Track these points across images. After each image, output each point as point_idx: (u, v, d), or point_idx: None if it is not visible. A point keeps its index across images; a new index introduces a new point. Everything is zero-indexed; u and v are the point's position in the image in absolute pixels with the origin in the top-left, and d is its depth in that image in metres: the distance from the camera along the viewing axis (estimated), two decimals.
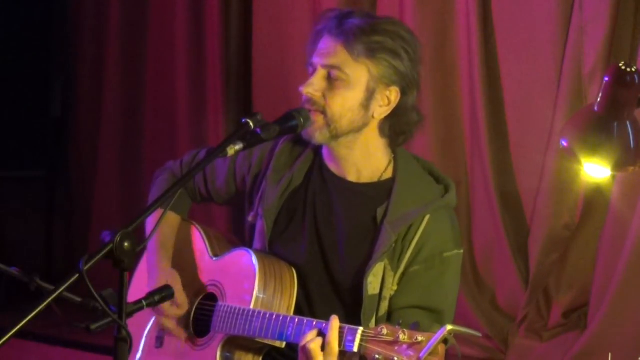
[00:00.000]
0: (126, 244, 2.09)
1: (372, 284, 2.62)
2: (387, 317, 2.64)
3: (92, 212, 5.86)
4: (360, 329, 2.36)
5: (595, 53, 4.21)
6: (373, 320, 2.63)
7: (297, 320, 2.54)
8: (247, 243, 2.86)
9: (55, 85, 6.04)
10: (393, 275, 2.63)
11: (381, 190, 2.71)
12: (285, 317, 2.57)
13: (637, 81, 2.36)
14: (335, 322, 2.43)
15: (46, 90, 6.02)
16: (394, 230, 2.62)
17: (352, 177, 2.74)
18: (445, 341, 2.18)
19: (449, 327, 2.13)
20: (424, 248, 2.63)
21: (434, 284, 2.64)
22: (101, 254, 2.09)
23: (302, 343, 2.46)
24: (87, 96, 5.96)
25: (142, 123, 5.72)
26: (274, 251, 2.76)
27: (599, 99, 2.41)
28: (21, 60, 5.91)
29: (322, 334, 2.44)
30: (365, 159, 2.72)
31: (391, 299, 2.64)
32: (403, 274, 2.63)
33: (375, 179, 2.73)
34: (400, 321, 2.36)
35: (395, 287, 2.63)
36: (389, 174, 2.74)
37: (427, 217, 2.64)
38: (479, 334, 2.20)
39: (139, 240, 2.14)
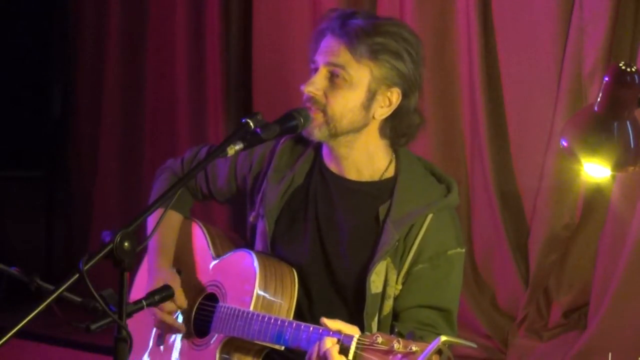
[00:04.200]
0: (126, 244, 2.09)
1: (375, 282, 2.62)
2: (394, 317, 2.65)
3: (92, 212, 5.86)
4: (356, 337, 2.35)
5: (595, 53, 4.21)
6: (375, 320, 2.63)
7: (294, 324, 2.54)
8: (248, 243, 2.86)
9: (55, 85, 6.04)
10: (396, 274, 2.63)
11: (383, 189, 2.71)
12: (283, 321, 2.57)
13: (637, 81, 2.36)
14: (329, 343, 2.40)
15: (46, 91, 6.02)
16: (397, 229, 2.63)
17: (352, 176, 2.74)
18: (439, 352, 2.18)
19: (444, 338, 2.13)
20: (427, 247, 2.64)
21: (441, 283, 2.65)
22: (101, 254, 2.09)
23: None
24: (87, 96, 5.96)
25: (142, 123, 5.72)
26: (276, 252, 2.77)
27: (599, 99, 2.40)
28: (21, 60, 5.91)
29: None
30: (365, 159, 2.73)
31: (397, 299, 2.64)
32: (407, 273, 2.64)
33: (376, 178, 2.74)
34: (397, 330, 2.36)
35: (399, 287, 2.64)
36: (390, 173, 2.74)
37: (430, 216, 2.65)
38: (474, 345, 2.19)
39: (140, 240, 2.14)
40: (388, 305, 2.64)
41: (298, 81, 2.74)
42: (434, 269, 2.64)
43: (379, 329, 2.63)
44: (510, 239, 4.56)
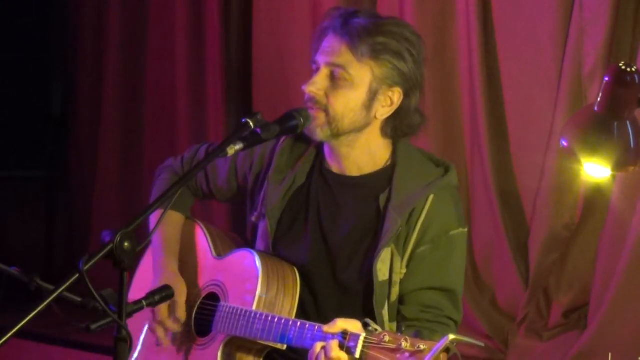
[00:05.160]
0: (126, 244, 2.09)
1: (382, 270, 2.62)
2: (399, 301, 2.65)
3: (92, 212, 5.86)
4: (363, 335, 2.35)
5: (595, 53, 4.21)
6: (386, 307, 2.64)
7: (299, 323, 2.54)
8: (249, 243, 2.86)
9: (55, 85, 6.04)
10: (400, 260, 2.63)
11: (381, 178, 2.72)
12: (287, 320, 2.57)
13: (637, 81, 2.36)
14: (335, 344, 2.40)
15: (46, 90, 6.02)
16: (399, 215, 2.64)
17: (353, 173, 2.75)
18: (447, 350, 2.18)
19: (451, 336, 2.13)
20: (430, 228, 2.65)
21: (443, 264, 2.66)
22: (101, 254, 2.09)
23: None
24: (87, 96, 5.96)
25: (142, 123, 5.72)
26: (278, 252, 2.77)
27: (599, 99, 2.41)
28: (21, 59, 5.91)
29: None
30: (367, 157, 2.74)
31: (401, 282, 2.64)
32: (411, 256, 2.64)
33: (376, 169, 2.74)
34: (403, 328, 2.35)
35: (404, 271, 2.64)
36: (388, 162, 2.74)
37: (431, 197, 2.66)
38: (481, 344, 2.20)
39: (141, 239, 2.14)
40: (395, 292, 2.64)
41: (298, 81, 2.74)
42: (436, 250, 2.65)
43: (389, 317, 2.63)
44: (510, 239, 4.56)
